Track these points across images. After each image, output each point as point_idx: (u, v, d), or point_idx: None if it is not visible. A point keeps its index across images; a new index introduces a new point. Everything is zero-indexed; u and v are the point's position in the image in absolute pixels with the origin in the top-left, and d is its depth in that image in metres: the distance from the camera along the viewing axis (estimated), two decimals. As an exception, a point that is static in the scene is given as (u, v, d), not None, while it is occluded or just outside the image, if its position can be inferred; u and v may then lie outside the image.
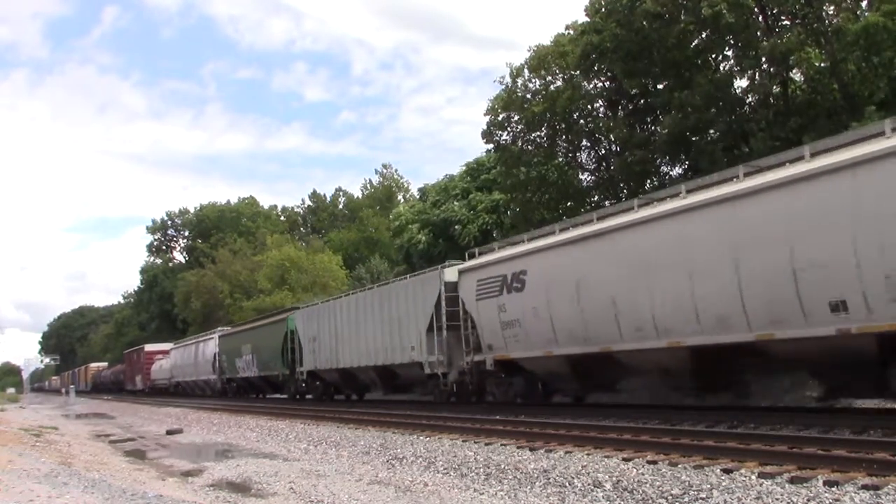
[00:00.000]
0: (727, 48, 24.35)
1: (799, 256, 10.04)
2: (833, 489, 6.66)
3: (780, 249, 10.22)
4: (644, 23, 23.87)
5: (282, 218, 78.77)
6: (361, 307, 22.55)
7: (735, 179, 11.45)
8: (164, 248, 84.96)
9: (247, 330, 33.56)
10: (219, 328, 41.64)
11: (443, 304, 18.16)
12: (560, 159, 30.44)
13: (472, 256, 18.33)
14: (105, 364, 79.40)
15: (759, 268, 10.59)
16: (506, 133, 30.90)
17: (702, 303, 11.47)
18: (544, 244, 15.30)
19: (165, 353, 49.16)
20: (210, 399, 37.01)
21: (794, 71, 22.89)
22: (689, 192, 12.40)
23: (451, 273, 18.22)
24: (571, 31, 28.66)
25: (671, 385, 13.53)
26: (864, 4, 21.59)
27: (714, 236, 11.28)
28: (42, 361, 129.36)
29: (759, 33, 22.38)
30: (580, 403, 16.26)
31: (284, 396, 29.99)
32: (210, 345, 38.16)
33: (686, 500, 6.94)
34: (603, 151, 30.09)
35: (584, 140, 30.03)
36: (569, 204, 30.52)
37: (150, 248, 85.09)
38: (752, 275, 10.72)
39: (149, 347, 54.22)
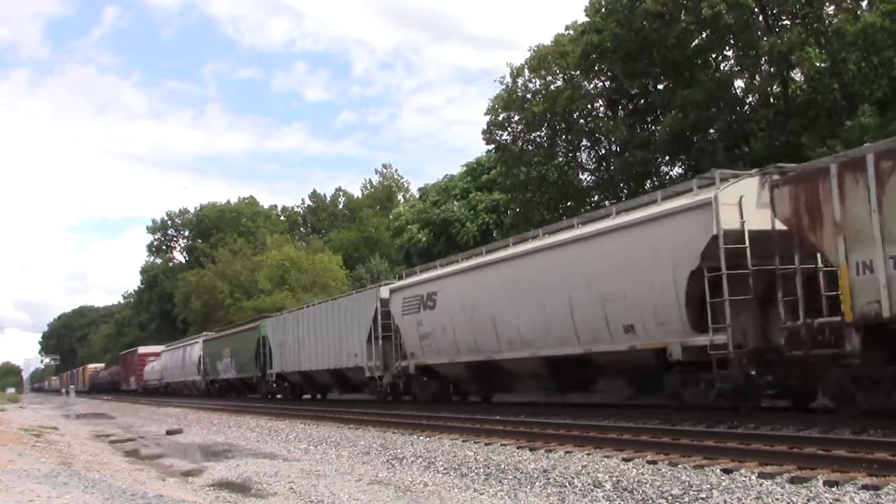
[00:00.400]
0: (727, 48, 24.36)
1: (605, 290, 13.38)
2: (833, 489, 6.66)
3: (594, 285, 13.62)
4: (644, 23, 23.86)
5: (282, 218, 78.74)
6: (319, 317, 25.53)
7: (571, 228, 15.12)
8: (164, 248, 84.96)
9: (226, 335, 36.77)
10: (203, 333, 44.72)
11: (378, 317, 21.15)
12: (560, 159, 30.43)
13: (400, 277, 21.38)
14: (102, 365, 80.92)
15: (582, 298, 13.93)
16: (506, 133, 30.90)
17: (550, 323, 14.80)
18: (450, 271, 18.62)
19: (157, 355, 52.01)
20: (208, 399, 37.34)
21: (794, 71, 22.89)
22: (546, 234, 16.00)
23: (385, 291, 21.19)
24: (571, 31, 28.64)
25: (541, 386, 17.21)
26: (864, 4, 21.59)
27: (556, 272, 14.63)
28: (42, 361, 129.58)
29: (759, 33, 22.37)
30: (487, 402, 19.73)
31: (258, 396, 32.66)
32: (196, 348, 41.16)
33: (686, 500, 6.94)
34: (603, 151, 30.08)
35: (584, 140, 30.02)
36: (569, 204, 30.51)
37: (150, 248, 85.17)
38: (578, 303, 14.01)
39: (142, 350, 56.80)
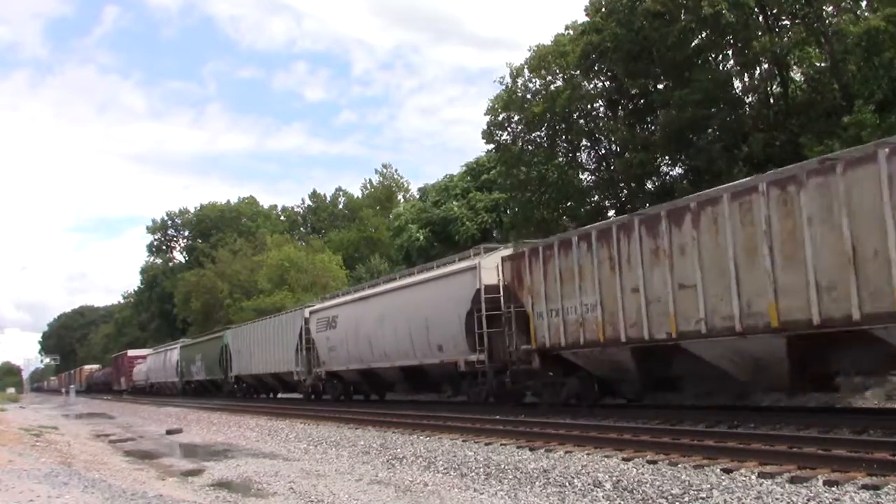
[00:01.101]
0: (727, 48, 24.35)
1: (429, 321, 18.88)
2: (833, 489, 6.66)
3: (423, 317, 19.13)
4: (644, 22, 23.85)
5: (282, 218, 78.71)
6: (265, 331, 31.23)
7: (412, 275, 21.85)
8: (164, 248, 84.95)
9: (198, 343, 42.91)
10: (181, 340, 50.46)
11: (303, 333, 26.67)
12: (560, 159, 30.40)
13: (320, 302, 28.43)
14: (98, 366, 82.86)
15: (416, 326, 19.43)
16: (506, 133, 30.87)
17: (400, 342, 20.44)
18: (345, 300, 25.06)
19: (143, 358, 56.88)
20: (208, 399, 37.81)
21: (794, 71, 22.88)
22: (401, 277, 23.22)
23: (307, 313, 26.84)
24: (571, 31, 28.63)
25: (404, 388, 22.98)
26: (863, 4, 21.58)
27: (403, 307, 20.45)
28: (42, 361, 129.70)
29: (759, 33, 22.37)
30: (382, 399, 25.13)
31: (222, 394, 38.13)
32: (174, 353, 46.76)
33: (686, 500, 6.94)
34: (603, 151, 30.06)
35: (584, 140, 29.98)
36: (569, 204, 30.49)
37: (150, 248, 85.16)
38: (414, 330, 19.55)
39: (131, 353, 61.67)
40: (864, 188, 9.23)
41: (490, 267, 16.70)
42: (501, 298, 16.25)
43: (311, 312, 26.52)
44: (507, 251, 16.93)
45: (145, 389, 53.91)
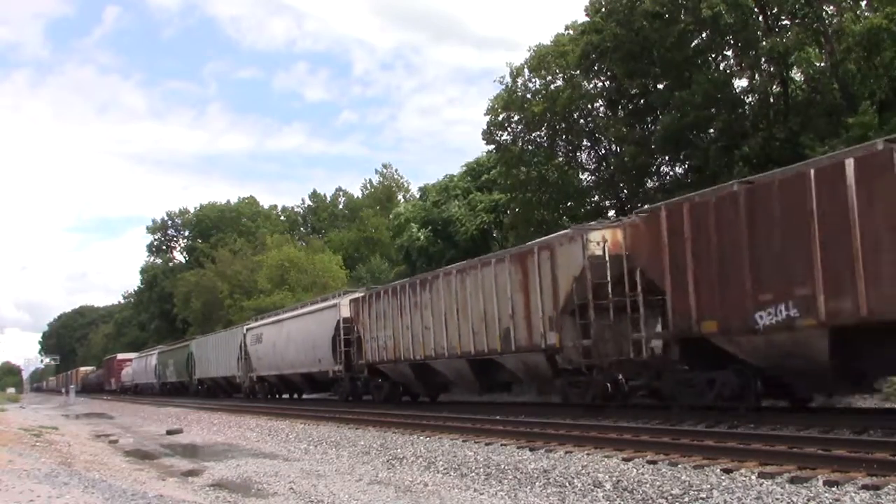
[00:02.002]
0: (726, 48, 24.34)
1: (315, 342, 25.51)
2: (833, 489, 6.66)
3: (311, 339, 25.92)
4: (644, 23, 23.83)
5: (282, 218, 78.66)
6: (216, 342, 38.82)
7: (305, 306, 29.22)
8: (164, 248, 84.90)
9: (171, 350, 49.98)
10: (158, 346, 57.52)
11: (242, 346, 33.48)
12: (560, 159, 30.38)
13: (254, 321, 34.72)
14: (92, 368, 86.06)
15: (306, 345, 26.35)
16: (506, 133, 30.83)
17: (298, 355, 27.30)
18: (267, 322, 31.88)
19: (130, 361, 62.22)
20: (208, 399, 38.27)
21: (793, 71, 22.87)
22: (299, 307, 30.48)
23: (244, 329, 33.92)
24: (571, 31, 28.62)
25: (306, 389, 30.34)
26: (863, 4, 21.57)
27: (298, 329, 27.41)
28: (42, 361, 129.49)
29: (759, 33, 22.36)
30: (300, 398, 32.02)
31: (189, 394, 44.19)
32: (153, 358, 53.10)
33: (686, 500, 6.94)
34: (603, 151, 30.03)
35: (584, 140, 29.95)
36: (569, 204, 30.48)
37: (150, 248, 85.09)
38: (304, 347, 26.48)
39: (120, 356, 66.79)
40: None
41: (345, 305, 23.91)
42: (352, 328, 23.20)
43: (247, 329, 33.77)
44: (357, 295, 23.92)
45: (130, 389, 59.55)
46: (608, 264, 13.31)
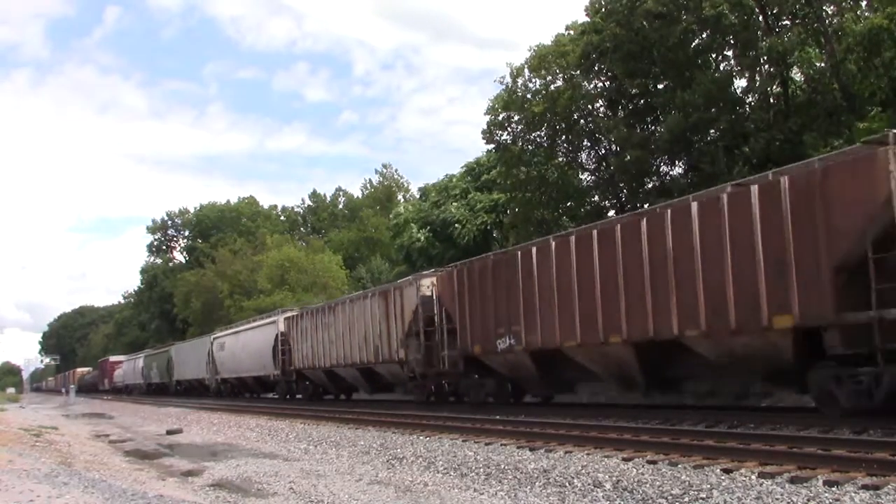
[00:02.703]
0: (727, 48, 24.34)
1: (261, 352, 30.77)
2: (833, 489, 6.66)
3: (258, 346, 31.34)
4: (644, 23, 23.84)
5: (282, 218, 78.67)
6: (190, 348, 44.59)
7: (256, 320, 34.17)
8: (164, 248, 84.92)
9: (155, 354, 54.70)
10: (145, 350, 62.18)
11: (210, 353, 38.55)
12: (560, 159, 30.40)
13: (220, 331, 39.78)
14: (89, 369, 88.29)
15: (257, 353, 31.35)
16: (506, 133, 30.85)
17: (250, 361, 32.46)
18: (229, 332, 37.06)
19: (121, 363, 66.66)
20: (207, 399, 38.26)
21: (794, 71, 22.87)
22: (252, 320, 35.47)
23: (212, 339, 38.82)
24: (571, 32, 28.63)
25: (259, 390, 34.64)
26: (863, 4, 21.58)
27: (249, 339, 32.90)
28: (42, 361, 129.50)
29: (759, 33, 22.36)
30: (260, 397, 35.21)
31: (169, 393, 48.78)
32: (140, 361, 57.84)
33: (686, 500, 6.94)
34: (603, 151, 30.04)
35: (584, 140, 29.96)
36: (569, 204, 30.49)
37: (150, 248, 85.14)
38: (255, 355, 31.53)
39: (112, 359, 71.44)
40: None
41: (282, 321, 28.96)
42: (287, 340, 28.23)
43: (214, 339, 38.76)
44: (292, 313, 28.88)
45: (122, 389, 63.83)
46: (434, 303, 18.85)
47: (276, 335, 29.06)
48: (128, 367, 62.10)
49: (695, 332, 11.54)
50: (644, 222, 12.51)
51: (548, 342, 14.67)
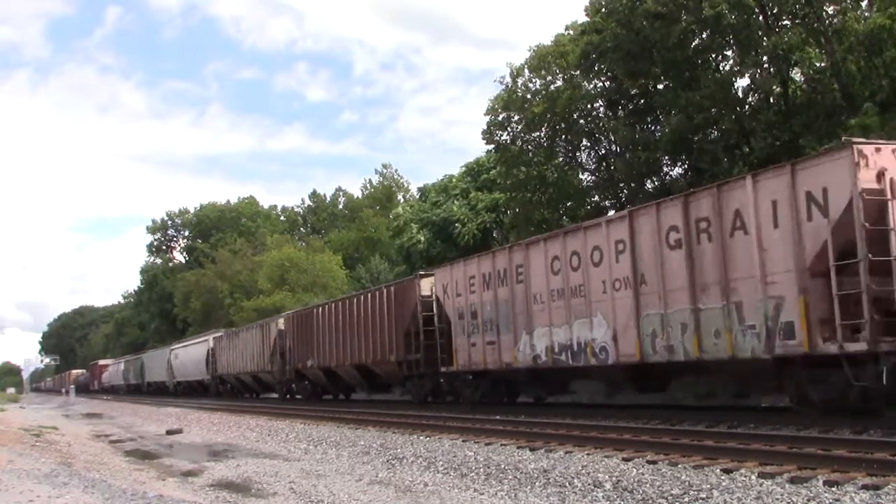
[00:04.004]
0: (727, 48, 24.31)
1: (196, 361, 42.88)
2: (833, 489, 6.66)
3: (196, 358, 42.67)
4: (644, 23, 23.82)
5: (282, 218, 78.66)
6: (158, 355, 52.35)
7: (194, 337, 47.81)
8: (164, 248, 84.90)
9: (132, 359, 63.33)
10: (125, 356, 70.91)
11: (169, 360, 47.10)
12: (560, 159, 30.39)
13: (178, 343, 49.22)
14: (82, 371, 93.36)
15: (195, 362, 42.86)
16: (506, 133, 30.83)
17: (189, 369, 43.98)
18: (180, 346, 47.84)
19: (107, 366, 75.51)
20: (208, 399, 38.44)
21: (794, 71, 22.86)
22: (193, 337, 48.40)
23: (170, 350, 48.75)
24: (571, 32, 28.61)
25: (199, 389, 43.42)
26: (864, 4, 21.57)
27: (190, 353, 44.26)
28: (42, 361, 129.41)
29: (759, 33, 22.35)
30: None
31: (142, 393, 56.54)
32: (122, 365, 67.07)
33: (686, 500, 6.94)
34: (603, 151, 30.03)
35: (584, 140, 29.95)
36: (568, 204, 30.47)
37: (150, 248, 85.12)
38: (195, 363, 43.04)
39: (101, 362, 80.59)
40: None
41: (212, 339, 39.58)
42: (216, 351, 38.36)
43: (170, 350, 48.36)
44: (218, 334, 39.07)
45: (108, 389, 71.28)
46: (282, 336, 30.32)
47: (208, 350, 40.05)
48: (113, 370, 72.00)
49: (369, 359, 22.32)
50: (342, 305, 24.52)
51: (326, 363, 25.42)
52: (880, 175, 9.51)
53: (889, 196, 9.48)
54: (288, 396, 31.11)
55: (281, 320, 30.17)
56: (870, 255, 9.29)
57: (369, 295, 22.90)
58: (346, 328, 23.59)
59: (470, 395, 18.19)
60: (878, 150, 9.66)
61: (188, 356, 43.93)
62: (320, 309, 26.15)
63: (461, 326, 17.57)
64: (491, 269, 16.53)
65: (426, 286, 19.63)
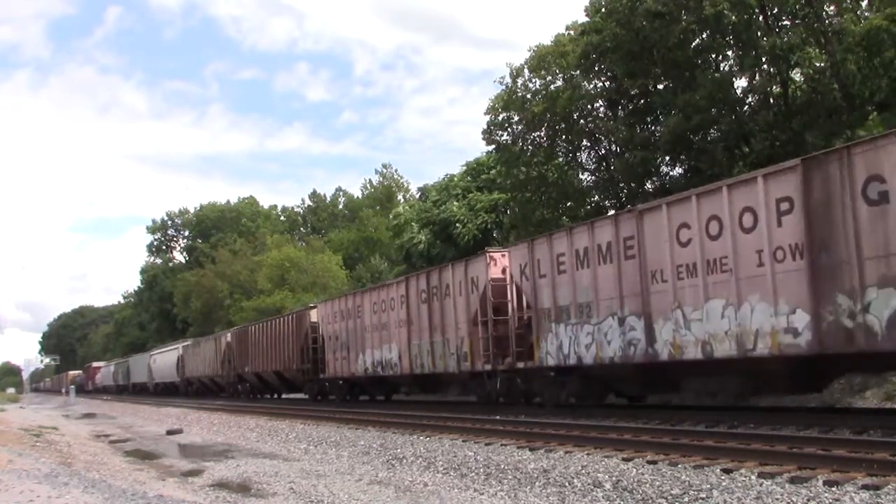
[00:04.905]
0: (727, 48, 24.29)
1: (169, 366, 49.39)
2: (833, 489, 6.66)
3: (170, 363, 49.31)
4: (644, 23, 23.80)
5: (282, 218, 78.66)
6: (140, 360, 58.28)
7: (167, 345, 56.10)
8: (164, 248, 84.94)
9: (121, 362, 69.90)
10: (115, 360, 77.72)
11: (150, 364, 53.84)
12: (560, 159, 30.35)
13: (158, 349, 56.00)
14: (79, 371, 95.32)
15: (168, 366, 49.59)
16: (506, 133, 30.78)
17: (164, 372, 50.84)
18: (159, 351, 54.66)
19: (100, 368, 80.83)
20: (207, 399, 38.65)
21: (794, 71, 22.84)
22: (164, 346, 57.20)
23: (150, 355, 56.20)
24: (571, 32, 28.57)
25: (171, 389, 49.86)
26: (864, 4, 21.55)
27: (164, 359, 51.36)
28: (42, 361, 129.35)
29: (759, 33, 22.33)
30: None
31: (128, 392, 61.62)
32: (112, 367, 73.55)
33: (686, 500, 6.94)
34: (603, 151, 29.99)
35: (584, 140, 29.90)
36: (569, 204, 30.43)
37: (150, 248, 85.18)
38: (168, 367, 50.01)
39: (94, 364, 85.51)
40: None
41: (181, 347, 45.23)
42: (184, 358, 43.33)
43: (151, 355, 54.60)
44: (186, 343, 43.99)
45: (100, 389, 76.08)
46: (229, 348, 37.04)
47: (178, 356, 46.30)
48: (105, 371, 78.21)
49: (282, 367, 29.09)
50: (266, 325, 30.33)
51: (256, 369, 31.95)
52: (503, 270, 16.94)
53: (508, 282, 16.62)
54: (234, 395, 37.41)
55: (229, 334, 37.32)
56: (493, 317, 16.91)
57: (282, 319, 30.45)
58: (268, 343, 30.63)
59: (338, 393, 25.71)
60: (503, 255, 17.19)
61: (164, 361, 50.72)
62: (253, 327, 33.66)
63: (330, 345, 25.00)
64: (344, 307, 24.44)
65: (314, 315, 26.97)
